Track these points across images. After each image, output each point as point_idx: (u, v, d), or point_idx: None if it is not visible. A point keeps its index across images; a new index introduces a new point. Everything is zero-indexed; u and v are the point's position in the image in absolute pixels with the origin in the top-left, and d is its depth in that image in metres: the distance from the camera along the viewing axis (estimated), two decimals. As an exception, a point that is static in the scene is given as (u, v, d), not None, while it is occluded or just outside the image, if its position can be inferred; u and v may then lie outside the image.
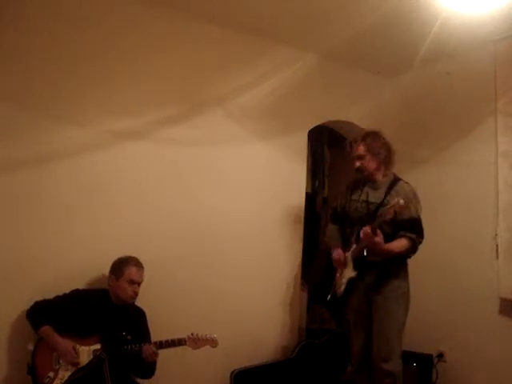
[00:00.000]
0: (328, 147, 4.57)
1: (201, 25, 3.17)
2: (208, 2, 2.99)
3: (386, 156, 2.86)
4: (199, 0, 2.97)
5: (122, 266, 2.57)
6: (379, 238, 2.57)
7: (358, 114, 3.90)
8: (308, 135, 3.80)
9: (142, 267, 2.61)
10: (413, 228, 2.71)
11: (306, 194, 3.86)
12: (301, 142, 3.74)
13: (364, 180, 2.92)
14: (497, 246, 3.25)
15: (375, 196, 2.82)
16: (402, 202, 2.49)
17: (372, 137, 2.87)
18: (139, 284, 2.58)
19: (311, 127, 3.79)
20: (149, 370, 2.55)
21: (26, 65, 2.61)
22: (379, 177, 2.86)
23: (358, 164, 2.86)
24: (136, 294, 2.58)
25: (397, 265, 2.80)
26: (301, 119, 3.69)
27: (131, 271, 2.55)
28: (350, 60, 3.83)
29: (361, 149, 2.84)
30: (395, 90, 4.02)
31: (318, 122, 3.82)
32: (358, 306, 2.87)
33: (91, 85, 2.80)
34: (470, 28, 3.11)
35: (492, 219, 3.29)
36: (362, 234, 2.62)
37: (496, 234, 3.26)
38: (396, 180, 2.85)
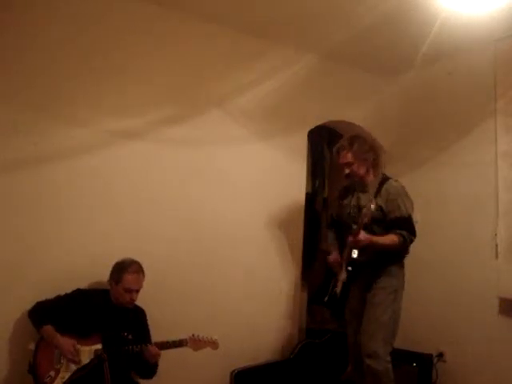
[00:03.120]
0: (328, 147, 4.56)
1: (201, 25, 3.17)
2: (208, 2, 2.99)
3: (375, 159, 2.88)
4: (199, 0, 2.97)
5: (120, 272, 2.53)
6: (362, 235, 2.62)
7: (358, 114, 3.90)
8: (308, 135, 3.80)
9: (142, 273, 2.57)
10: (402, 226, 2.74)
11: (306, 193, 3.85)
12: (301, 142, 3.74)
13: (355, 185, 2.95)
14: (496, 246, 3.25)
15: (365, 198, 2.84)
16: (372, 206, 2.55)
17: (358, 142, 2.87)
18: (137, 290, 2.55)
19: (311, 127, 3.79)
20: (151, 369, 2.55)
21: (25, 65, 2.61)
22: (369, 179, 2.89)
23: (347, 171, 2.87)
24: (133, 300, 2.55)
25: (391, 263, 2.82)
26: (301, 119, 3.69)
27: (128, 280, 2.50)
28: (350, 60, 3.83)
29: (348, 156, 2.84)
30: (395, 90, 4.02)
31: (318, 122, 3.82)
32: (354, 306, 2.92)
33: (91, 85, 2.80)
34: (470, 28, 3.11)
35: (492, 219, 3.29)
36: (349, 241, 2.68)
37: (496, 234, 3.26)
38: (385, 179, 2.86)
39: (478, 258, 3.36)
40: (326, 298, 2.90)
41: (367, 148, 2.87)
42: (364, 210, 2.60)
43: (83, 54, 2.79)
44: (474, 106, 3.52)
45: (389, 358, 2.74)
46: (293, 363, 3.40)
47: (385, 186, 2.81)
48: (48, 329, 2.38)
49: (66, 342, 2.36)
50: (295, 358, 3.42)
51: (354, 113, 3.90)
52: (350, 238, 2.66)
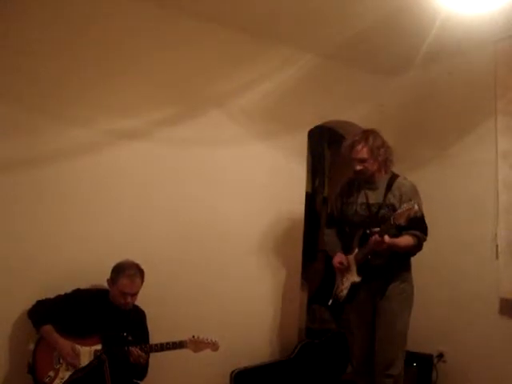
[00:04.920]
0: (328, 147, 4.57)
1: (201, 25, 3.17)
2: (208, 2, 2.98)
3: (388, 156, 2.77)
4: (199, 0, 2.97)
5: (117, 274, 2.51)
6: (387, 238, 2.50)
7: (358, 114, 3.90)
8: (308, 135, 3.80)
9: (140, 277, 2.54)
10: (416, 226, 2.64)
11: (306, 193, 3.86)
12: (301, 142, 3.74)
13: (360, 181, 2.84)
14: (497, 246, 3.25)
15: (375, 197, 2.75)
16: (416, 207, 2.41)
17: (373, 136, 2.75)
18: (133, 294, 2.52)
19: (311, 127, 3.79)
20: (140, 371, 2.51)
21: (26, 65, 2.61)
22: (379, 177, 2.78)
23: (359, 167, 2.74)
24: (129, 303, 2.52)
25: (402, 268, 2.74)
26: (301, 119, 3.69)
27: (123, 283, 2.48)
28: (350, 60, 3.83)
29: (364, 151, 2.71)
30: (395, 89, 4.02)
31: (318, 122, 3.82)
32: (362, 308, 2.80)
33: (92, 85, 2.80)
34: (470, 28, 3.11)
35: (492, 219, 3.29)
36: (371, 242, 2.55)
37: (496, 234, 3.26)
38: (394, 177, 2.77)
39: (478, 258, 3.36)
40: (330, 302, 2.84)
41: (381, 143, 2.74)
42: (400, 210, 2.46)
43: (84, 54, 2.78)
44: (474, 106, 3.52)
45: (403, 365, 2.71)
46: (293, 363, 3.40)
47: (396, 184, 2.71)
48: (47, 329, 2.38)
49: (64, 345, 2.35)
50: (295, 357, 3.42)
51: (354, 113, 3.90)
52: (376, 239, 2.51)
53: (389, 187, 2.71)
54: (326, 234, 3.05)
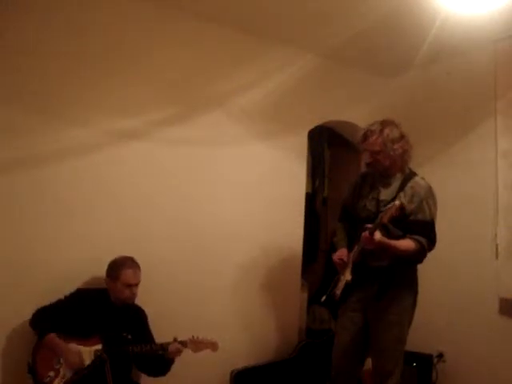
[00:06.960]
0: (328, 147, 4.57)
1: (201, 24, 3.17)
2: (208, 2, 2.98)
3: (404, 150, 2.55)
4: (199, 0, 2.97)
5: (117, 269, 2.53)
6: (377, 235, 2.32)
7: (357, 114, 3.90)
8: (308, 135, 3.80)
9: (138, 267, 2.58)
10: (423, 231, 2.45)
11: (306, 193, 3.86)
12: (301, 142, 3.74)
13: (375, 175, 2.67)
14: (496, 245, 3.25)
15: (386, 193, 2.57)
16: (397, 203, 2.28)
17: (390, 128, 2.53)
18: (137, 285, 2.56)
19: (311, 127, 3.79)
20: (167, 366, 2.54)
21: (26, 65, 2.61)
22: (393, 172, 2.59)
23: (369, 160, 2.56)
24: (134, 295, 2.56)
25: (405, 274, 2.57)
26: (301, 119, 3.69)
27: (127, 275, 2.51)
28: (350, 60, 3.83)
29: (377, 143, 2.50)
30: (395, 90, 4.02)
31: (318, 122, 3.82)
32: (353, 310, 2.64)
33: (92, 85, 2.80)
34: (470, 28, 3.12)
35: (492, 219, 3.29)
36: (361, 239, 2.40)
37: (496, 234, 3.26)
38: (410, 175, 2.58)
39: (478, 257, 3.36)
40: (324, 298, 2.67)
41: (398, 136, 2.53)
42: (386, 207, 2.31)
43: (83, 54, 2.78)
44: (474, 106, 3.52)
45: (401, 370, 2.58)
46: (293, 363, 3.40)
47: (410, 184, 2.52)
48: (51, 338, 2.34)
49: (69, 352, 2.32)
50: (295, 358, 3.42)
51: (354, 113, 3.90)
52: (365, 235, 2.35)
53: (403, 185, 2.53)
54: (337, 227, 2.89)
